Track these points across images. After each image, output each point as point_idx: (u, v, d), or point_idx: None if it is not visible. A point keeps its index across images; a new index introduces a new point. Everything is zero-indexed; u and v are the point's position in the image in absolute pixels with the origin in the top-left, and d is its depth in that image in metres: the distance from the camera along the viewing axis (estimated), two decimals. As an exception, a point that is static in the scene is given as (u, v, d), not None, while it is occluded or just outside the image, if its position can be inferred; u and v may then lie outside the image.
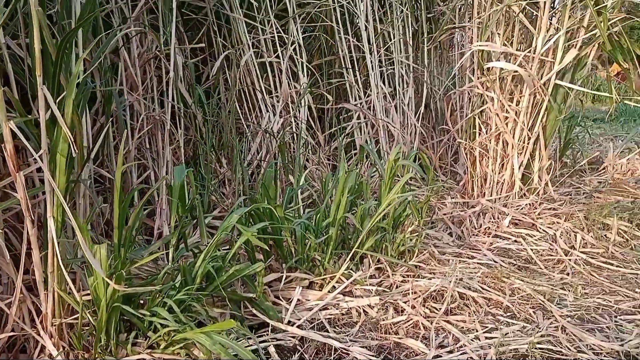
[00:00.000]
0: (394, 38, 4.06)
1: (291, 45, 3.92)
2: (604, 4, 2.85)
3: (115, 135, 2.79)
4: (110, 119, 2.66)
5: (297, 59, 3.96)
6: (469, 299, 2.13)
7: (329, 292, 2.10)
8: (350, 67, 4.09)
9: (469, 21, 3.44)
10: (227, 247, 2.25)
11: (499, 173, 3.30)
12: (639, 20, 2.99)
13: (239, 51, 3.90)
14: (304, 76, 3.99)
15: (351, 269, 2.25)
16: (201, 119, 3.35)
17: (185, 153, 3.44)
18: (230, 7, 3.82)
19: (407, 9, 4.04)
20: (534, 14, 3.00)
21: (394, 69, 4.12)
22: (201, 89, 3.75)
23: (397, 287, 2.21)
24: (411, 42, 4.14)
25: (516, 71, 2.96)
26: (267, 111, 3.96)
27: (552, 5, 2.98)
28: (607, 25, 2.85)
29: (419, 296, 2.10)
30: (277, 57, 3.94)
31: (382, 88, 4.06)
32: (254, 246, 2.13)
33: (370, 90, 4.08)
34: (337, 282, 2.16)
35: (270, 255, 2.27)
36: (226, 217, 2.00)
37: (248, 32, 3.88)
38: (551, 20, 2.96)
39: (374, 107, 4.06)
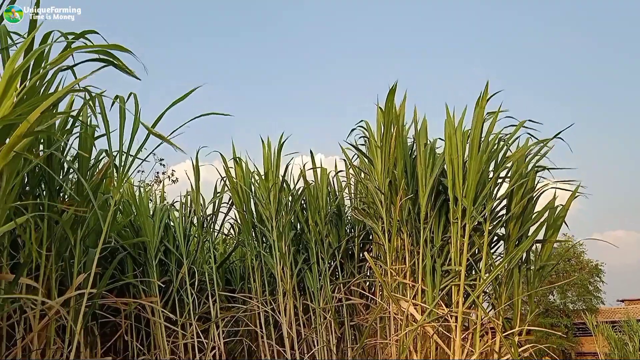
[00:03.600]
0: (317, 344, 4.02)
1: (211, 351, 3.78)
2: (511, 331, 2.99)
3: None
4: None
5: (217, 366, 3.78)
6: None
7: None
8: (272, 374, 3.91)
9: (388, 336, 3.48)
10: None
11: None
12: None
13: (155, 356, 3.70)
14: (221, 385, 3.75)
15: None
16: None
17: None
18: (152, 310, 3.77)
19: (330, 316, 4.11)
20: (448, 335, 3.08)
21: (318, 377, 3.97)
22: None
23: None
24: (335, 349, 4.09)
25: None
26: None
27: (464, 327, 3.10)
28: (517, 351, 2.95)
29: None
30: (196, 362, 3.75)
31: (305, 399, 3.83)
32: None
33: (293, 400, 3.83)
34: None
35: None
36: None
37: (167, 335, 3.76)
38: (464, 342, 3.04)
39: (296, 420, 3.76)
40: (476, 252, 3.24)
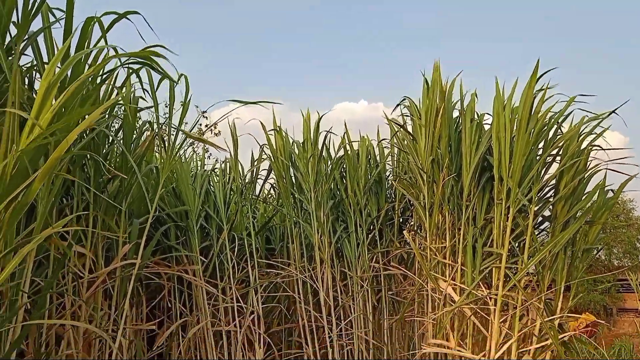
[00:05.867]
0: (354, 313, 4.07)
1: (250, 315, 3.88)
2: (552, 317, 2.93)
3: None
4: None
5: (254, 330, 3.89)
6: None
7: None
8: (309, 338, 4.00)
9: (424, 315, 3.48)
10: None
11: None
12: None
13: (197, 318, 3.84)
14: (259, 347, 3.87)
15: None
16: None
17: None
18: (194, 273, 3.87)
19: (367, 285, 4.14)
20: (487, 317, 3.05)
21: (353, 343, 4.04)
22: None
23: None
24: (371, 318, 4.14)
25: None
26: (217, 385, 3.74)
27: (503, 308, 3.06)
28: (557, 335, 2.89)
29: None
30: (235, 325, 3.87)
31: (341, 365, 3.92)
32: None
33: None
34: None
35: None
36: None
37: (208, 298, 3.88)
38: (503, 324, 3.00)
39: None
40: (520, 233, 3.14)
